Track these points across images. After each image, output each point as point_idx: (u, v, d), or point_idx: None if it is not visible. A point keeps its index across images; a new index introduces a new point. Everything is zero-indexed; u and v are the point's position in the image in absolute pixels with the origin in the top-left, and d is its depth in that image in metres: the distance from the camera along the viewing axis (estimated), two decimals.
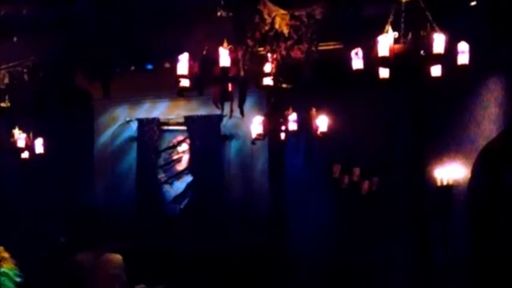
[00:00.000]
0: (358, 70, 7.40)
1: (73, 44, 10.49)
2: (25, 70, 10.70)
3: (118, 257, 8.03)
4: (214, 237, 12.63)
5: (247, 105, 8.89)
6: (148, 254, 12.32)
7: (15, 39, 11.01)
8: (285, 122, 9.77)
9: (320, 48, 8.76)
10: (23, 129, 11.01)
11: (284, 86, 8.75)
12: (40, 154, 11.16)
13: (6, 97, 10.87)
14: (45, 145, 11.20)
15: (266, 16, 8.46)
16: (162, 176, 13.37)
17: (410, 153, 12.33)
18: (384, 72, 7.30)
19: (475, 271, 11.41)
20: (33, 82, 10.63)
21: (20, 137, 10.93)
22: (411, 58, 7.16)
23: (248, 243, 12.42)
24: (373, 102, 12.23)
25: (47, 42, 10.63)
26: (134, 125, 13.47)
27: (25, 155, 11.08)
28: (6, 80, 10.69)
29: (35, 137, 11.11)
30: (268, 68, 8.47)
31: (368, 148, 12.34)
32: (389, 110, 12.39)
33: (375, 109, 12.43)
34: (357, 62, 7.40)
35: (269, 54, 8.44)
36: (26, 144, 10.99)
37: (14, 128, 10.95)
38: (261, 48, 8.52)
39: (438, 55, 7.02)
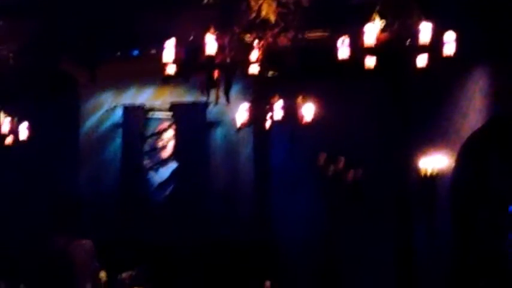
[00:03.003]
0: (344, 59, 7.38)
1: (58, 28, 10.44)
2: (10, 54, 10.62)
3: (88, 243, 7.99)
4: (198, 224, 12.62)
5: (233, 92, 8.85)
6: (131, 241, 12.31)
7: (1, 23, 10.94)
8: (271, 109, 9.73)
9: (307, 36, 8.74)
10: (8, 113, 10.93)
11: (270, 73, 8.72)
12: (24, 139, 11.08)
13: None
14: (30, 130, 11.13)
15: (253, 3, 8.43)
16: (147, 162, 13.35)
17: (395, 143, 12.33)
18: (370, 61, 7.28)
19: (457, 260, 11.46)
20: (18, 66, 10.56)
21: (4, 122, 10.85)
22: (397, 47, 7.14)
23: (232, 231, 12.42)
24: (358, 92, 12.21)
25: (32, 27, 10.57)
26: (120, 111, 13.44)
27: (9, 140, 11.00)
28: None
29: (19, 122, 11.04)
30: (254, 55, 8.42)
31: (353, 137, 12.33)
32: (374, 100, 12.37)
33: (360, 98, 12.41)
34: (344, 50, 7.38)
35: (255, 42, 8.40)
36: (10, 129, 10.90)
37: None
38: (248, 35, 8.48)
39: (424, 45, 7.01)
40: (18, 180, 13.47)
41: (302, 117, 9.89)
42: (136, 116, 13.31)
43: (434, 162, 11.79)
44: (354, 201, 12.41)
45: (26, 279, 8.69)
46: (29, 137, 11.12)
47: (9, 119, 10.88)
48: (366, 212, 12.35)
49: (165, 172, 13.28)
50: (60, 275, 7.78)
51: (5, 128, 10.86)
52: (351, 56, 7.36)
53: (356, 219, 12.39)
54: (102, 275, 9.54)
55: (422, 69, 7.28)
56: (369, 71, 7.33)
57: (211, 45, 7.87)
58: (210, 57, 7.90)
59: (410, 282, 12.01)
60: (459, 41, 7.27)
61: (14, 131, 10.94)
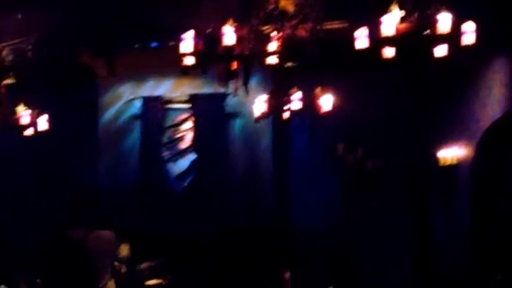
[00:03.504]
0: (363, 49, 7.36)
1: (77, 21, 10.47)
2: (29, 47, 10.67)
3: (108, 233, 8.04)
4: (217, 214, 12.65)
5: (252, 84, 8.87)
6: (151, 231, 12.35)
7: (19, 16, 10.98)
8: (289, 100, 9.74)
9: (325, 27, 8.72)
10: (27, 105, 10.99)
11: (289, 64, 8.71)
12: (44, 131, 11.14)
13: (11, 74, 10.84)
14: (49, 122, 11.19)
15: None
16: (165, 153, 13.38)
17: (414, 133, 12.29)
18: (388, 52, 7.27)
19: (475, 250, 11.43)
20: (38, 59, 10.60)
21: (24, 114, 10.92)
22: (416, 38, 7.12)
23: (251, 221, 12.45)
24: (377, 82, 12.16)
25: (51, 19, 10.60)
26: (138, 103, 13.48)
27: (29, 131, 11.07)
28: (10, 57, 10.65)
29: (39, 114, 11.10)
30: (273, 46, 8.43)
31: (372, 127, 12.30)
32: (393, 90, 12.32)
33: (378, 88, 12.37)
34: (362, 41, 7.37)
35: (274, 33, 8.40)
36: (30, 121, 10.97)
37: (19, 104, 10.92)
38: (266, 27, 8.48)
39: (444, 34, 6.98)
40: (38, 171, 13.53)
41: (320, 107, 9.89)
42: (155, 108, 13.33)
43: (453, 151, 11.74)
44: (372, 190, 12.40)
45: (44, 271, 8.74)
46: (48, 129, 11.18)
47: (29, 111, 10.95)
48: (383, 201, 12.33)
49: (183, 163, 13.31)
50: (79, 266, 7.83)
51: (25, 120, 10.94)
52: (369, 47, 7.35)
53: (374, 209, 12.38)
54: (122, 265, 9.60)
55: (441, 59, 7.26)
56: (388, 61, 7.31)
57: (229, 36, 7.88)
58: (228, 48, 7.92)
59: (427, 272, 11.99)
60: (478, 31, 7.25)
61: (33, 123, 11.01)
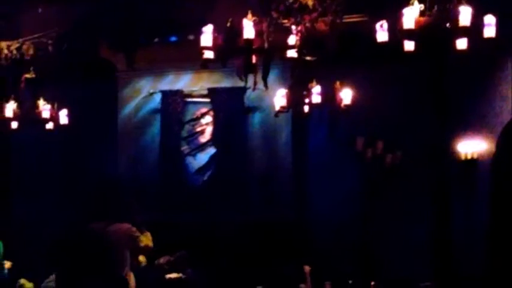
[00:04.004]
0: (382, 43, 7.34)
1: (97, 15, 10.49)
2: (50, 41, 10.71)
3: (127, 226, 8.04)
4: (236, 208, 12.66)
5: (271, 78, 8.85)
6: (171, 225, 12.37)
7: (39, 10, 11.03)
8: (309, 94, 9.73)
9: (345, 20, 8.69)
10: (48, 100, 11.04)
11: (308, 58, 8.68)
12: (64, 125, 11.19)
13: (31, 68, 10.88)
14: (70, 116, 11.24)
15: None
16: (185, 147, 13.39)
17: (434, 127, 12.26)
18: (408, 45, 7.24)
19: (495, 245, 11.39)
20: (58, 53, 10.64)
21: (44, 108, 10.97)
22: (437, 31, 7.08)
23: (270, 214, 12.46)
24: (397, 76, 12.14)
25: (71, 14, 10.64)
26: (158, 97, 13.48)
27: (49, 125, 11.12)
28: (31, 52, 10.70)
29: (59, 108, 11.15)
30: (292, 40, 8.41)
31: (392, 121, 12.28)
32: (413, 83, 12.30)
33: (399, 82, 12.35)
34: (382, 34, 7.34)
35: (293, 27, 8.38)
36: (51, 115, 11.02)
37: (39, 99, 10.97)
38: (286, 20, 8.46)
39: (464, 28, 6.94)
40: (58, 166, 13.60)
41: (340, 101, 9.88)
42: (175, 102, 13.33)
43: (474, 146, 11.70)
44: (392, 184, 12.37)
45: (60, 265, 8.76)
46: (68, 123, 11.23)
47: (49, 106, 11.00)
48: (403, 196, 12.31)
49: (203, 157, 13.31)
50: (97, 259, 7.84)
51: (46, 114, 10.99)
52: (389, 40, 7.32)
53: (394, 203, 12.36)
54: (141, 258, 9.60)
55: (462, 52, 7.22)
56: (408, 54, 7.28)
57: (249, 30, 7.87)
58: (248, 42, 7.90)
59: (447, 266, 11.97)
60: (499, 24, 7.20)
61: (53, 117, 11.06)
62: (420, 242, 12.18)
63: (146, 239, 8.37)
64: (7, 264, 9.11)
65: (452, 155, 11.98)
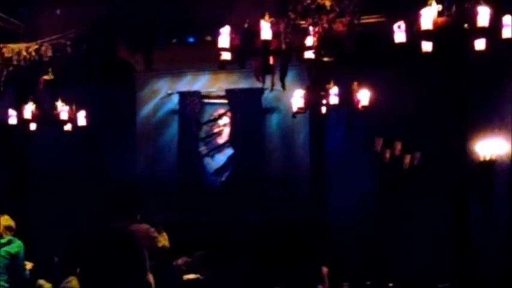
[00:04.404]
0: (400, 43, 7.32)
1: (115, 16, 10.52)
2: (68, 43, 10.74)
3: (146, 227, 8.06)
4: (254, 209, 12.66)
5: (289, 79, 8.84)
6: (189, 225, 12.40)
7: (58, 12, 11.07)
8: (326, 95, 9.72)
9: (362, 21, 8.67)
10: (66, 101, 11.07)
11: (325, 59, 8.67)
12: (82, 126, 11.23)
13: (50, 70, 10.93)
14: (88, 117, 11.27)
15: None
16: (203, 148, 13.41)
17: (453, 128, 12.21)
18: (426, 46, 7.22)
19: None
20: (76, 54, 10.68)
21: (63, 109, 11.00)
22: (455, 31, 7.05)
23: (288, 215, 12.45)
24: (415, 76, 12.11)
25: (89, 15, 10.67)
26: (176, 98, 13.51)
27: (68, 127, 11.16)
28: (50, 53, 10.74)
29: (77, 109, 11.18)
30: (309, 41, 8.39)
31: (410, 122, 12.24)
32: (431, 84, 12.26)
33: (416, 83, 12.31)
34: (400, 35, 7.32)
35: (311, 27, 8.36)
36: (69, 117, 11.06)
37: (57, 100, 11.01)
38: (303, 21, 8.45)
39: (482, 28, 6.91)
40: (76, 167, 13.64)
41: (358, 102, 9.86)
42: (192, 103, 13.35)
43: (492, 147, 11.65)
44: (410, 185, 12.34)
45: (83, 265, 8.80)
46: (86, 124, 11.26)
47: (67, 107, 11.04)
48: (421, 196, 12.28)
49: (221, 158, 13.33)
50: (119, 259, 7.87)
51: (64, 116, 11.03)
52: (407, 41, 7.30)
53: (411, 204, 12.33)
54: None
55: (480, 52, 7.18)
56: (426, 55, 7.26)
57: (266, 31, 7.86)
58: (265, 43, 7.89)
59: (465, 267, 11.92)
60: None
61: (72, 118, 11.10)
62: (438, 243, 12.15)
63: (163, 240, 8.39)
64: (28, 265, 9.15)
65: (471, 156, 11.93)
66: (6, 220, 8.80)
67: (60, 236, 12.36)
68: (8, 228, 8.75)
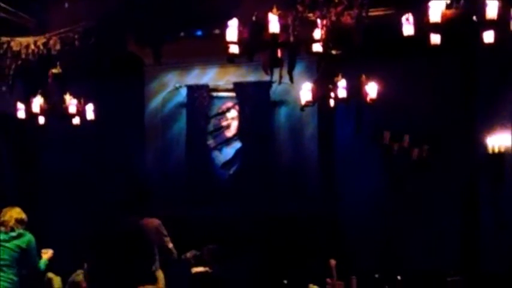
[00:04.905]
0: (408, 36, 7.31)
1: (124, 9, 10.52)
2: (76, 36, 10.74)
3: (155, 222, 8.07)
4: (262, 203, 12.67)
5: (297, 72, 8.83)
6: (197, 219, 12.42)
7: (66, 5, 11.07)
8: (335, 88, 9.71)
9: (371, 13, 8.65)
10: (74, 95, 11.09)
11: (334, 52, 8.66)
12: (91, 120, 11.24)
13: (58, 63, 10.94)
14: (96, 111, 11.28)
15: None
16: (211, 142, 13.41)
17: (462, 120, 12.19)
18: (435, 38, 7.20)
19: None
20: (85, 48, 10.68)
21: (71, 103, 11.01)
22: (463, 24, 7.03)
23: (297, 209, 12.45)
24: (423, 69, 12.08)
25: (98, 8, 10.67)
26: (184, 91, 13.52)
27: (76, 120, 11.17)
28: (58, 46, 10.75)
29: (86, 103, 11.19)
30: (318, 34, 8.38)
31: (418, 115, 12.22)
32: (440, 77, 12.23)
33: (425, 76, 12.29)
34: (408, 27, 7.31)
35: (319, 20, 8.35)
36: (77, 110, 11.07)
37: (66, 94, 11.02)
38: (311, 14, 8.44)
39: (491, 21, 6.88)
40: (85, 160, 13.66)
41: (366, 95, 9.85)
42: (201, 96, 13.36)
43: (503, 139, 11.61)
44: (420, 178, 12.32)
45: (94, 257, 8.82)
46: (95, 118, 11.28)
47: (76, 100, 11.05)
48: (430, 190, 12.26)
49: (229, 152, 13.34)
50: (131, 251, 7.89)
51: (72, 109, 11.04)
52: (415, 34, 7.28)
53: (420, 197, 12.32)
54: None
55: (489, 45, 7.16)
56: (435, 48, 7.24)
57: (274, 24, 7.85)
58: (273, 36, 7.88)
59: (475, 261, 11.91)
60: None
61: (80, 112, 11.11)
62: (447, 237, 12.13)
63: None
64: (48, 254, 9.16)
65: (481, 149, 11.90)
66: (18, 213, 8.81)
67: (68, 231, 12.44)
68: (19, 221, 8.75)
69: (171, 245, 9.60)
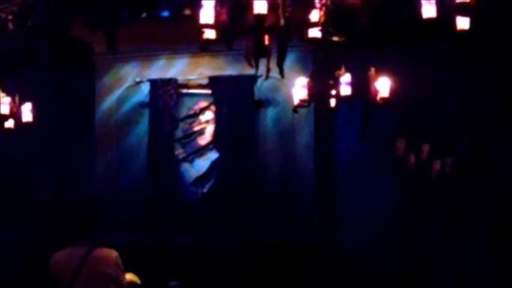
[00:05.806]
0: (430, 19, 7.33)
1: None
2: (10, 17, 10.72)
3: (112, 253, 8.04)
4: (244, 229, 12.68)
5: (288, 63, 8.87)
6: (162, 249, 12.43)
7: None
8: (336, 84, 9.74)
9: None
10: (7, 91, 11.05)
11: (335, 39, 8.69)
12: (28, 123, 11.20)
13: None
14: (34, 112, 11.24)
15: None
16: (180, 151, 13.43)
17: (497, 127, 12.24)
18: (462, 22, 7.22)
19: None
20: (20, 32, 10.66)
21: (3, 102, 10.96)
22: (498, 5, 7.07)
23: (286, 236, 12.48)
24: (448, 61, 12.14)
25: None
26: (146, 88, 13.53)
27: (9, 123, 11.12)
28: None
29: (21, 102, 11.15)
30: (315, 16, 8.41)
31: (441, 119, 12.28)
32: (469, 71, 12.29)
33: (448, 69, 12.34)
34: (429, 8, 7.33)
35: None
36: (11, 111, 11.03)
37: None
38: None
39: None
40: (18, 173, 13.63)
41: (376, 93, 9.88)
42: (167, 93, 13.36)
43: None
44: (442, 198, 12.38)
45: None
46: (33, 121, 11.24)
47: (9, 98, 11.00)
48: (456, 214, 12.31)
49: (202, 164, 13.36)
50: None
51: (5, 110, 10.98)
52: (438, 16, 7.31)
53: (443, 221, 12.37)
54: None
55: None
56: (462, 34, 7.27)
57: (260, 3, 7.85)
58: (259, 18, 7.88)
59: None
60: None
61: (15, 113, 11.07)
62: (479, 270, 12.18)
63: (130, 275, 8.41)
64: None
65: None
66: None
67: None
68: None
69: (128, 279, 9.60)
